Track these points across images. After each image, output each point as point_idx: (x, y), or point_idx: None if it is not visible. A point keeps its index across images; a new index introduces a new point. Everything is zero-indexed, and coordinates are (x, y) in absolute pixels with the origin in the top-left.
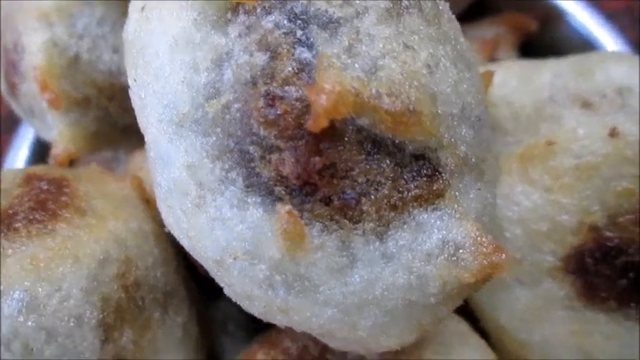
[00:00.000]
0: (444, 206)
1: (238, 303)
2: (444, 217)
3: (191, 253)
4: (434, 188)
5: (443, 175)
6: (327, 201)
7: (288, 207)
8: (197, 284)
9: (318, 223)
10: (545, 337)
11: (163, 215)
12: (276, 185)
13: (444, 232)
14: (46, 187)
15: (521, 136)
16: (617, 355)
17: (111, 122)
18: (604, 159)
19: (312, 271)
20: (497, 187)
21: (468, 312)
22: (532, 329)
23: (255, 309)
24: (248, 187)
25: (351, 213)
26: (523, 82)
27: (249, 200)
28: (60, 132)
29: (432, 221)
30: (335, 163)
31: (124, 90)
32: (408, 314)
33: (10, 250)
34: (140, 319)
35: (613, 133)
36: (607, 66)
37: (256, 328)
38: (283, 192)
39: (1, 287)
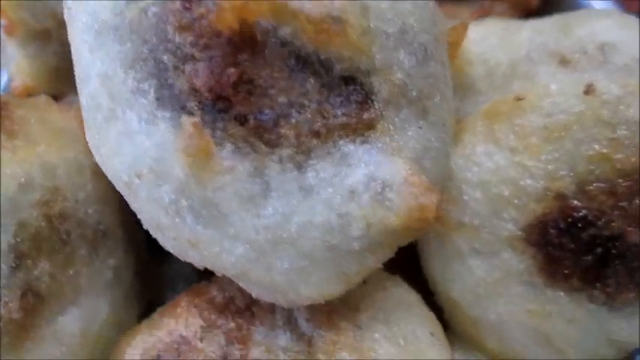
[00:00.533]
0: (374, 139)
1: (153, 235)
2: (372, 151)
3: (107, 174)
4: (364, 117)
5: (375, 103)
6: (242, 120)
7: (193, 120)
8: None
9: (230, 144)
10: (499, 315)
11: (87, 138)
12: (188, 99)
13: (372, 167)
14: None
15: (492, 95)
16: (578, 341)
17: (72, 60)
18: (576, 119)
19: (221, 197)
20: (449, 134)
21: (423, 284)
22: (486, 305)
23: (167, 242)
24: (159, 100)
25: (267, 136)
26: (502, 40)
27: (158, 114)
28: (18, 64)
29: (359, 154)
30: (253, 79)
31: None
32: (329, 260)
33: None
34: (62, 253)
35: (588, 90)
36: (591, 21)
37: None
38: (195, 107)
39: None
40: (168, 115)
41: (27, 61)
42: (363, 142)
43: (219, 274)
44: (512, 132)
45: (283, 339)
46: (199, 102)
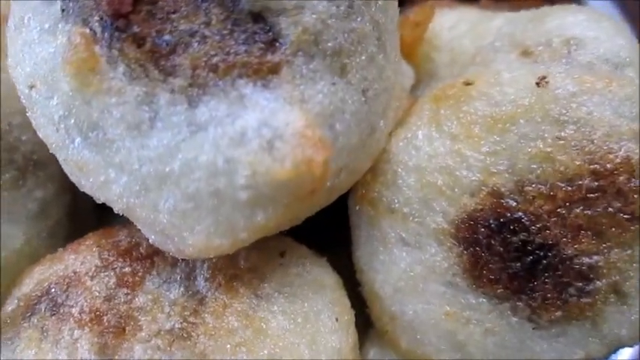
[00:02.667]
0: (276, 85)
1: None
2: (271, 97)
3: (18, 89)
4: (268, 59)
5: (282, 47)
6: (139, 42)
7: (82, 30)
8: None
9: (123, 66)
10: (416, 313)
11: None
12: (92, 14)
13: (267, 113)
14: None
15: (450, 80)
16: (493, 354)
17: None
18: (524, 111)
19: (107, 120)
20: (378, 106)
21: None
22: (405, 301)
23: (61, 163)
24: (64, 11)
25: (163, 63)
26: (472, 27)
27: (59, 26)
28: None
29: (257, 98)
30: (157, 0)
31: None
32: (214, 207)
33: None
34: None
35: (541, 82)
36: (563, 15)
37: None
38: (97, 23)
39: None
40: (67, 28)
41: None
42: (264, 87)
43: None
44: (456, 118)
45: (174, 292)
46: (101, 18)
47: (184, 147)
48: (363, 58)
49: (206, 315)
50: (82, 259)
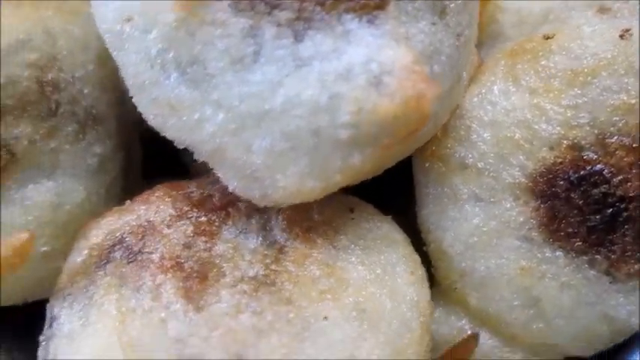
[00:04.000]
0: (382, 21)
1: (137, 102)
2: (377, 33)
3: (100, 30)
4: None
5: None
6: None
7: None
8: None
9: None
10: (489, 269)
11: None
12: None
13: (373, 49)
14: None
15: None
16: (569, 311)
17: None
18: (606, 64)
19: (209, 54)
20: (465, 57)
21: (416, 234)
22: (477, 257)
23: (149, 108)
24: None
25: None
26: None
27: None
28: None
29: (363, 34)
30: None
31: None
32: (312, 145)
33: None
34: (47, 122)
35: (624, 35)
36: None
37: None
38: None
39: None
40: None
41: None
42: (369, 22)
43: (197, 152)
44: (534, 72)
45: (253, 242)
46: None
47: (288, 82)
48: (459, 2)
49: (287, 263)
50: (154, 209)
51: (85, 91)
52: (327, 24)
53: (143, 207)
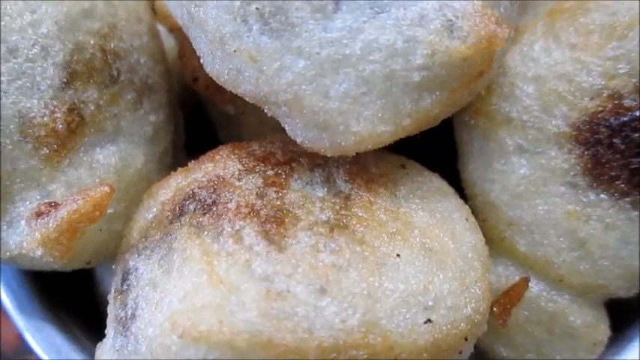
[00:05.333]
0: None
1: (209, 59)
2: None
3: (176, 6)
4: None
5: None
6: None
7: None
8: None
9: None
10: (536, 216)
11: None
12: None
13: None
14: None
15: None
16: (614, 250)
17: None
18: None
19: (292, 3)
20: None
21: (458, 189)
22: (524, 205)
23: (224, 57)
24: None
25: None
26: None
27: None
28: None
29: None
30: None
31: None
32: (386, 89)
33: None
34: (110, 89)
35: None
36: None
37: None
38: None
39: None
40: None
41: None
42: None
43: (271, 105)
44: (573, 29)
45: (320, 191)
46: None
47: (367, 28)
48: None
49: (355, 209)
50: (222, 165)
51: (142, 60)
52: None
53: (210, 164)
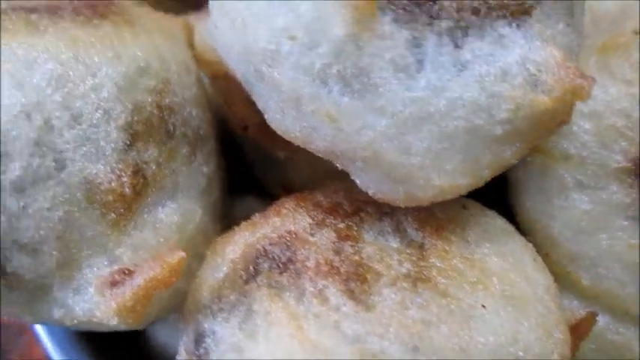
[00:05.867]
0: (528, 25)
1: (278, 116)
2: (527, 36)
3: (232, 56)
4: (521, 2)
5: None
6: None
7: None
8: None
9: (390, 12)
10: (599, 250)
11: (215, 22)
12: None
13: (526, 50)
14: (95, 1)
15: (600, 37)
16: None
17: None
18: None
19: (375, 64)
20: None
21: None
22: (586, 241)
23: (298, 117)
24: None
25: (428, 7)
26: None
27: None
28: None
29: (515, 37)
30: None
31: None
32: (467, 143)
33: (51, 29)
34: (168, 144)
35: None
36: None
37: None
38: None
39: (35, 55)
40: None
41: None
42: (518, 27)
43: (345, 160)
44: (628, 65)
45: (394, 242)
46: None
47: (450, 85)
48: (580, 1)
49: (432, 259)
50: (291, 220)
51: (193, 112)
52: (483, 31)
53: (277, 219)
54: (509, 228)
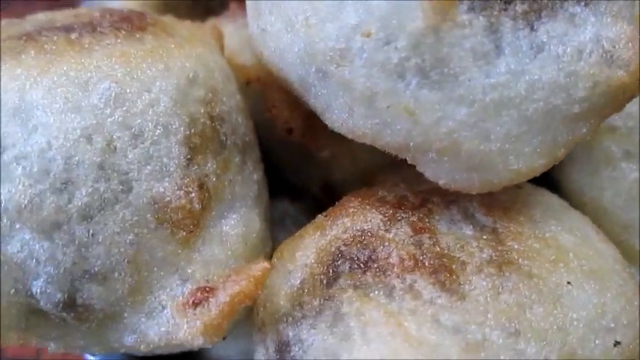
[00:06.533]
0: (596, 2)
1: (344, 115)
2: (597, 14)
3: (295, 60)
4: None
5: None
6: None
7: None
8: None
9: (465, 0)
10: None
11: (262, 26)
12: None
13: (598, 27)
14: (127, 14)
15: None
16: None
17: None
18: None
19: (455, 54)
20: None
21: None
22: (638, 208)
23: (372, 115)
24: None
25: None
26: None
27: None
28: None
29: (585, 15)
30: None
31: None
32: (546, 125)
33: (97, 47)
34: (222, 154)
35: None
36: None
37: None
38: None
39: (89, 75)
40: None
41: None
42: (586, 5)
43: (417, 153)
44: None
45: (467, 230)
46: None
47: (529, 69)
48: None
49: (509, 242)
50: (362, 218)
51: (239, 119)
52: (554, 11)
53: (346, 219)
54: (564, 203)
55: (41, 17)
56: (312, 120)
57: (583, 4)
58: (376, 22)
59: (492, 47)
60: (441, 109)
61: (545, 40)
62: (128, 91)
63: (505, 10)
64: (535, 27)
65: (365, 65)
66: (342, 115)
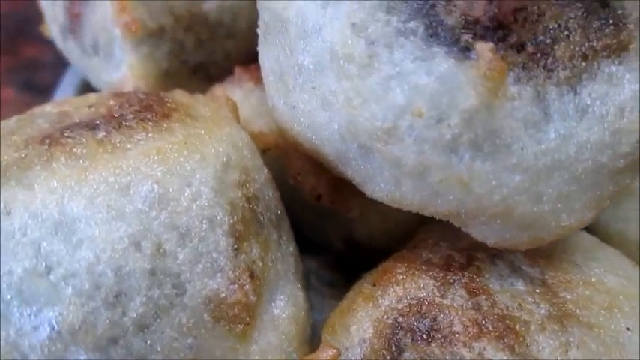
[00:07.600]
0: (628, 60)
1: (391, 187)
2: (630, 70)
3: (334, 136)
4: (620, 39)
5: (628, 25)
6: (519, 47)
7: (490, 45)
8: None
9: (511, 72)
10: None
11: (293, 103)
12: (462, 32)
13: (635, 84)
14: (144, 97)
15: None
16: None
17: (183, 59)
18: None
19: (507, 125)
20: None
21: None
22: None
23: (423, 187)
24: (431, 37)
25: (544, 61)
26: None
27: (435, 49)
28: (131, 66)
29: (621, 73)
30: (526, 6)
31: (202, 20)
32: (594, 182)
33: (129, 145)
34: (262, 235)
35: None
36: None
37: (339, 283)
38: (471, 39)
39: (129, 178)
40: (445, 50)
41: (140, 63)
42: (621, 63)
43: (467, 218)
44: None
45: (519, 284)
46: (475, 34)
47: (577, 132)
48: None
49: (562, 293)
50: (413, 285)
51: (270, 194)
52: (594, 73)
53: (398, 287)
54: (595, 239)
55: (50, 110)
56: (338, 184)
57: (617, 62)
58: (426, 101)
59: (542, 115)
60: (495, 178)
61: (588, 102)
62: (170, 189)
63: (549, 77)
64: (578, 90)
65: (416, 143)
66: (389, 187)
